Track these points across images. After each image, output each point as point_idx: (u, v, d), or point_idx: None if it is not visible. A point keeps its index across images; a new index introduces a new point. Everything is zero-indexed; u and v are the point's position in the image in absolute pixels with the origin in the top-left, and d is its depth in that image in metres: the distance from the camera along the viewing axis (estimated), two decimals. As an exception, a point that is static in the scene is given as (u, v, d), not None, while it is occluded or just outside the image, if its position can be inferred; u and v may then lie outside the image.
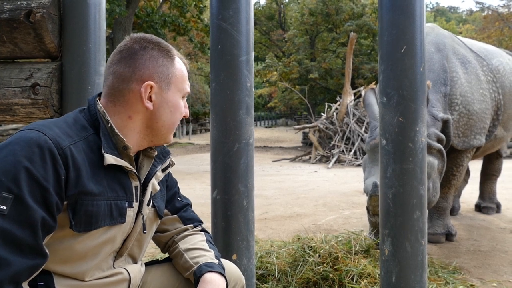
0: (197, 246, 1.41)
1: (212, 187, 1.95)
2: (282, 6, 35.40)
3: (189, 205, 1.53)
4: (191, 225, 1.48)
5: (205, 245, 1.43)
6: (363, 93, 14.47)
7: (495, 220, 4.92)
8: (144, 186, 1.28)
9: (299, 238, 3.10)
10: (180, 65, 1.29)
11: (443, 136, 3.55)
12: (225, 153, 1.90)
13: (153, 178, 1.32)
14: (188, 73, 1.34)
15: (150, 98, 1.22)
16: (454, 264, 3.28)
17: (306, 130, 16.75)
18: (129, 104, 1.22)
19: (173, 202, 1.47)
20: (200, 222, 1.52)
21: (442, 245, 3.90)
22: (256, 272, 2.70)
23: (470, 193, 6.22)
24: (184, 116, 1.32)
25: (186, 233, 1.46)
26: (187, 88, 1.31)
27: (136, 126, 1.23)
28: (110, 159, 1.15)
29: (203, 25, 16.65)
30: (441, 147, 3.49)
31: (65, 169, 1.06)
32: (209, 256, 1.39)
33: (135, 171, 1.23)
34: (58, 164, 1.05)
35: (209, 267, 1.33)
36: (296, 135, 24.19)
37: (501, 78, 4.15)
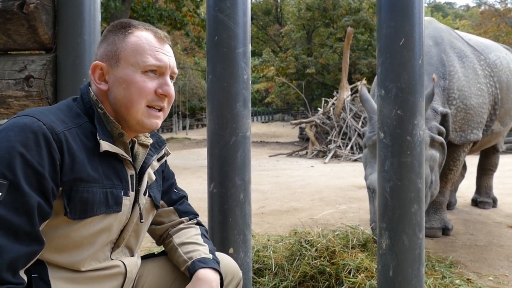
0: (191, 240, 1.40)
1: (208, 181, 1.93)
2: (279, 0, 35.30)
3: (185, 197, 1.52)
4: (187, 217, 1.47)
5: (200, 239, 1.42)
6: (360, 88, 14.47)
7: (491, 214, 4.93)
8: (140, 176, 1.27)
9: (296, 232, 3.09)
10: (135, 38, 1.19)
11: (443, 129, 3.53)
12: (222, 146, 1.88)
13: (149, 167, 1.30)
14: (164, 47, 1.22)
15: (105, 80, 1.20)
16: (450, 258, 3.29)
17: (303, 125, 16.76)
18: (97, 91, 1.21)
19: (170, 194, 1.46)
20: (196, 215, 1.51)
21: (439, 239, 3.90)
22: (253, 266, 2.69)
23: (466, 188, 6.23)
24: (161, 95, 1.19)
25: (181, 226, 1.45)
26: (148, 60, 1.18)
27: (111, 112, 1.21)
28: (106, 145, 1.14)
29: (200, 20, 16.55)
30: (443, 140, 3.48)
31: (60, 155, 1.05)
32: (202, 250, 1.37)
33: (130, 159, 1.22)
34: (53, 149, 1.03)
35: (202, 263, 1.31)
36: (293, 130, 24.19)
37: (498, 73, 4.14)
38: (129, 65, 1.18)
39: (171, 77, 1.25)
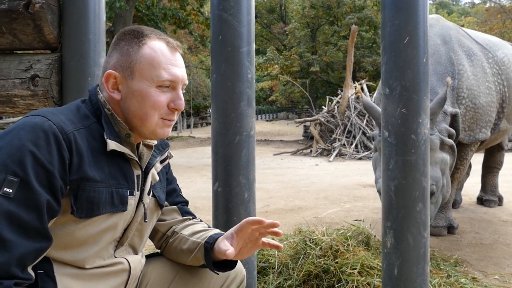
0: (201, 229, 1.44)
1: (213, 180, 1.94)
2: (283, -1, 35.21)
3: (187, 203, 1.55)
4: (189, 217, 1.50)
5: (208, 228, 1.46)
6: (364, 86, 14.44)
7: (497, 213, 4.91)
8: (144, 175, 1.29)
9: (300, 231, 3.09)
10: (150, 50, 1.20)
11: (453, 131, 3.51)
12: (226, 145, 1.89)
13: (153, 168, 1.32)
14: (175, 58, 1.24)
15: (118, 89, 1.22)
16: (456, 257, 3.28)
17: (307, 123, 16.72)
18: (109, 98, 1.23)
19: (173, 196, 1.48)
20: (196, 218, 1.55)
21: (444, 238, 3.89)
22: (257, 265, 2.69)
23: (472, 186, 6.20)
24: (173, 109, 1.23)
25: (187, 222, 1.47)
26: (162, 75, 1.19)
27: (121, 117, 1.23)
28: (113, 145, 1.16)
29: (204, 18, 16.56)
30: (453, 142, 3.45)
31: (69, 154, 1.07)
32: (215, 231, 1.42)
33: (137, 159, 1.24)
34: (62, 149, 1.06)
35: (220, 234, 1.36)
36: (297, 129, 24.15)
37: (506, 70, 4.12)
38: (144, 79, 1.20)
39: (182, 88, 1.27)
